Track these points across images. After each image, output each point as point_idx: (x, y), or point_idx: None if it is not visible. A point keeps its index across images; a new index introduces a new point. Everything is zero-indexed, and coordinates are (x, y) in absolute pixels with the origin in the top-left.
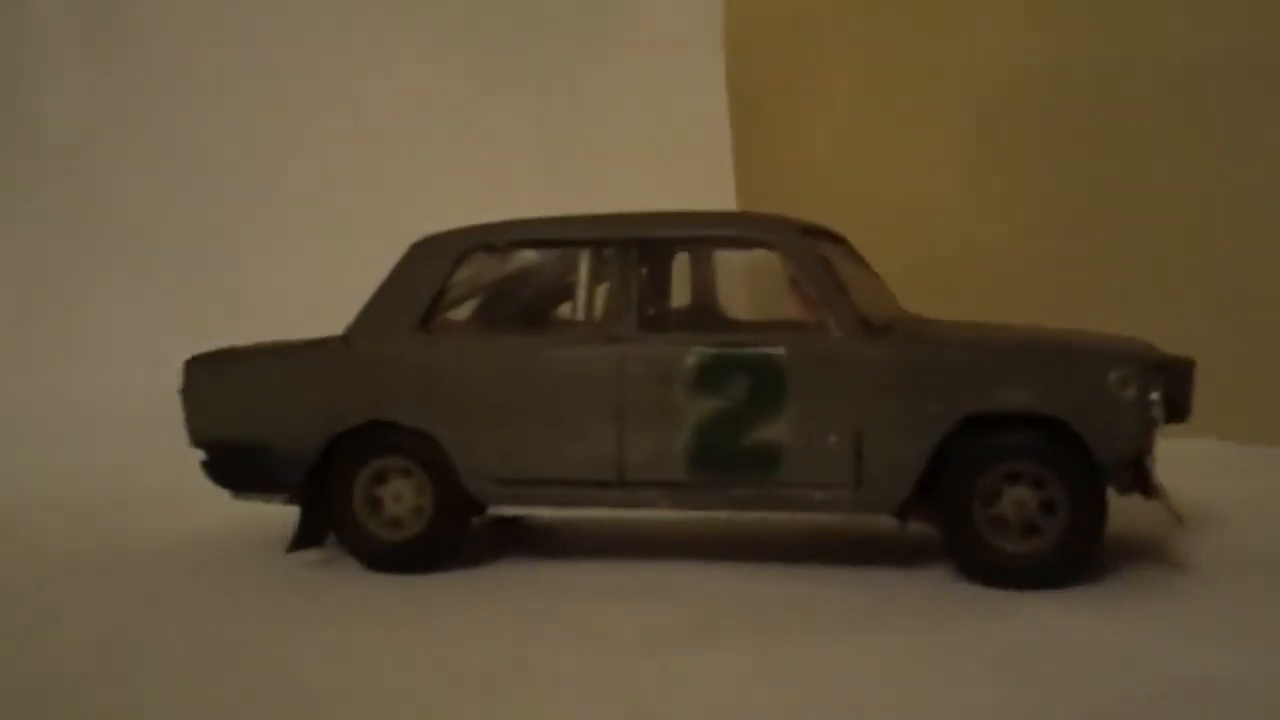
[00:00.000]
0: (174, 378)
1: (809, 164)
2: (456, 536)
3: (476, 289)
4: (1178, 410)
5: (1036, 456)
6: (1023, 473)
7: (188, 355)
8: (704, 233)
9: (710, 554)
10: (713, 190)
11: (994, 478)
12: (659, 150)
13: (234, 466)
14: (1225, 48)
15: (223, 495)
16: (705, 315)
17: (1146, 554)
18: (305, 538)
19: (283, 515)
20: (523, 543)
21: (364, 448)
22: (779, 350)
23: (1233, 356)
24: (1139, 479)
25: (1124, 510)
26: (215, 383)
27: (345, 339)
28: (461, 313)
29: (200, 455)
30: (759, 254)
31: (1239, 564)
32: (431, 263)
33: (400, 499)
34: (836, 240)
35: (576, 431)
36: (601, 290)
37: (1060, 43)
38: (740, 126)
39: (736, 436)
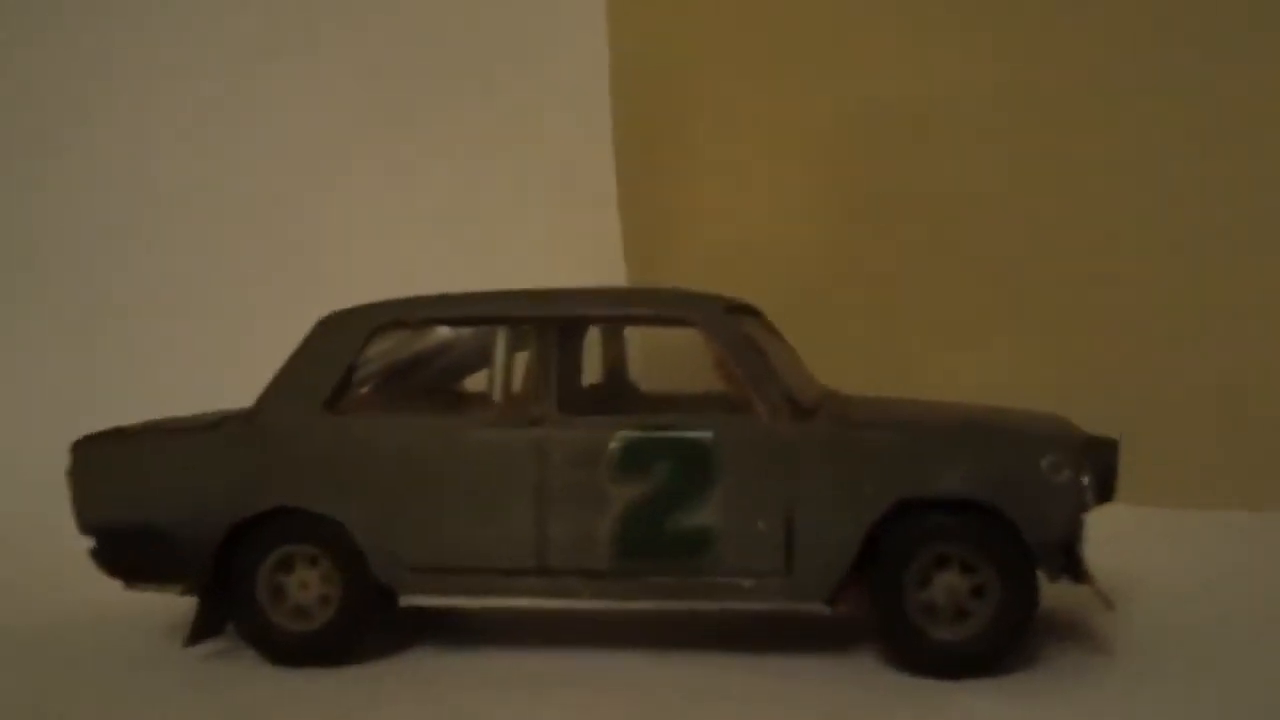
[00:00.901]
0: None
1: (692, 207)
2: (365, 627)
3: (387, 367)
4: (1104, 491)
5: (968, 540)
6: (951, 557)
7: (85, 420)
8: (625, 311)
9: (630, 641)
10: (599, 238)
11: (924, 562)
12: (546, 195)
13: (127, 555)
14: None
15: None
16: (626, 395)
17: (1070, 636)
18: (204, 628)
19: (179, 599)
20: (430, 630)
21: (268, 534)
22: (706, 433)
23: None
24: (1070, 563)
25: (1047, 593)
26: (106, 465)
27: (248, 418)
28: (371, 392)
29: (89, 542)
30: (679, 332)
31: (1160, 641)
32: (341, 339)
33: (306, 588)
34: (753, 314)
35: (495, 517)
36: (519, 369)
37: (932, 80)
38: (625, 172)
39: (662, 523)
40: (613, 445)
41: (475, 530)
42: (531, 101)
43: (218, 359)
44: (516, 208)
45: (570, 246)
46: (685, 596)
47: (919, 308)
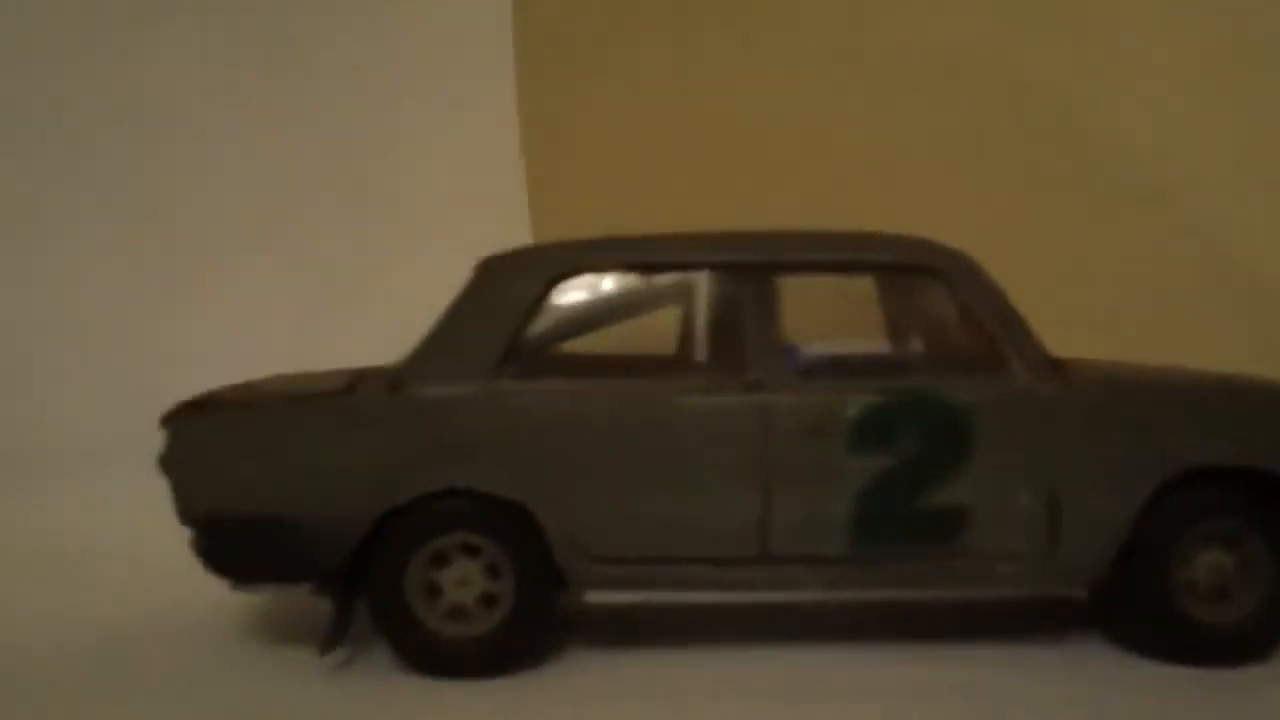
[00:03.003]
0: None
1: (599, 186)
2: (543, 630)
3: (572, 321)
4: None
5: (1244, 516)
6: (1215, 534)
7: None
8: (858, 257)
9: (793, 634)
10: (507, 212)
11: (1195, 538)
12: (451, 170)
13: (243, 549)
14: None
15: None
16: (860, 354)
17: None
18: (339, 633)
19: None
20: (577, 631)
21: (423, 522)
22: (961, 398)
23: None
24: None
25: None
26: (216, 443)
27: (395, 384)
28: (549, 351)
29: (189, 532)
30: (918, 281)
31: None
32: (515, 287)
33: (466, 584)
34: None
35: (709, 498)
36: (731, 325)
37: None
38: (532, 149)
39: (910, 500)
40: (852, 412)
41: (684, 514)
42: (433, 70)
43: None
44: (417, 181)
45: (476, 221)
46: (933, 584)
47: None
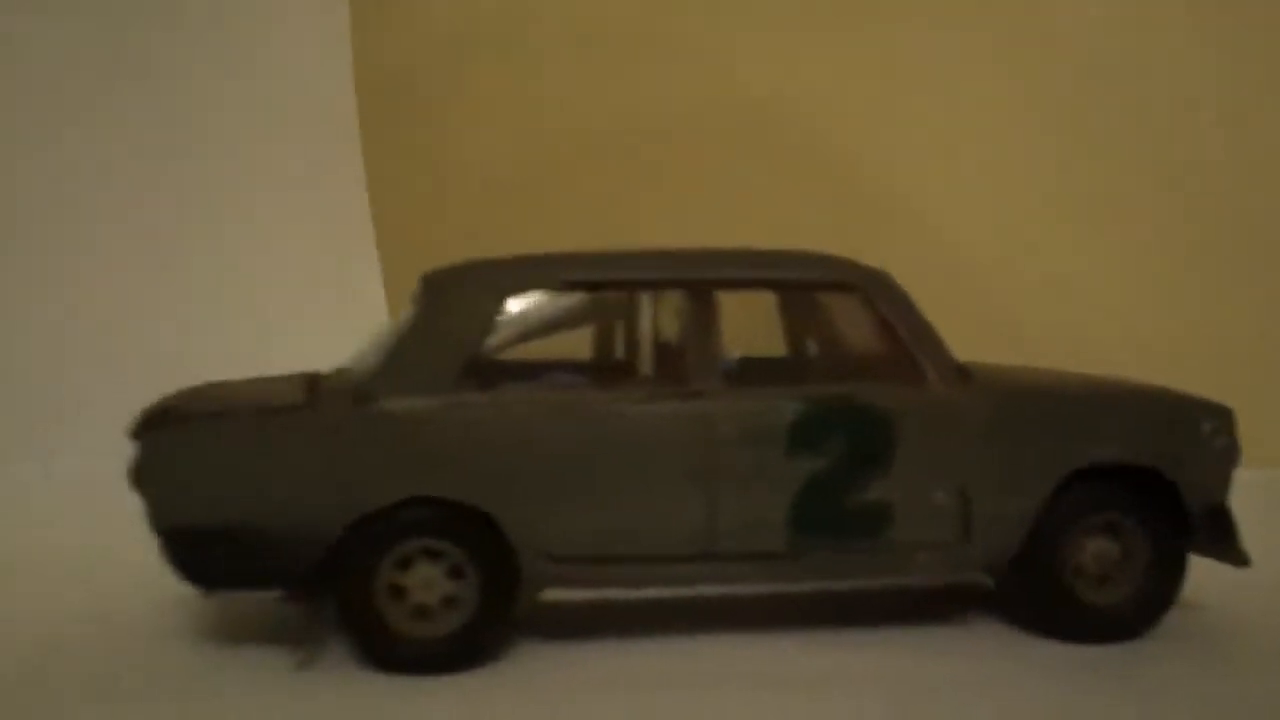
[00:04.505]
0: None
1: (445, 206)
2: (502, 630)
3: (523, 335)
4: None
5: (1129, 507)
6: (1103, 525)
7: None
8: (784, 275)
9: (733, 624)
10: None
11: (1083, 530)
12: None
13: (213, 558)
14: None
15: None
16: (790, 364)
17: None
18: (313, 635)
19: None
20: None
21: (390, 528)
22: (886, 402)
23: None
24: (1223, 529)
25: None
26: (186, 454)
27: (363, 395)
28: (502, 364)
29: (159, 541)
30: (840, 297)
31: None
32: (471, 303)
33: (430, 587)
34: None
35: (658, 500)
36: (673, 337)
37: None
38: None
39: (842, 498)
40: (788, 417)
41: (635, 515)
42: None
43: None
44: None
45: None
46: (862, 575)
47: None
